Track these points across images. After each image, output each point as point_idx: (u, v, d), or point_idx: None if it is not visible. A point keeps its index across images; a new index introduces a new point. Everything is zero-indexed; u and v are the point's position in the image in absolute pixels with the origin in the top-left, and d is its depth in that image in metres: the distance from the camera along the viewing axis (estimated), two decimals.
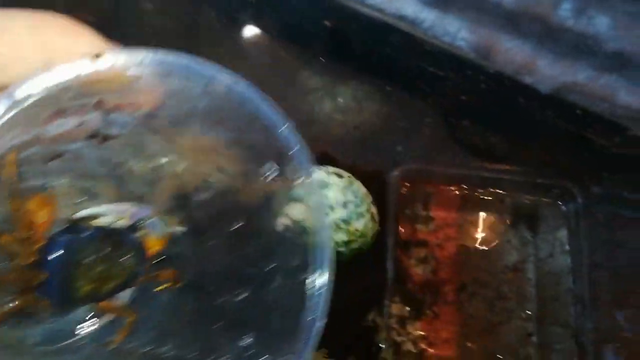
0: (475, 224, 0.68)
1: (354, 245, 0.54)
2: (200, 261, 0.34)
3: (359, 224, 0.53)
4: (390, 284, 0.54)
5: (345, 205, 0.53)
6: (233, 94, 0.26)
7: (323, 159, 0.57)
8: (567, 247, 0.61)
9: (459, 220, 0.68)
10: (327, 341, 0.54)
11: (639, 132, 0.59)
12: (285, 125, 0.28)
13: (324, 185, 0.53)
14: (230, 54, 0.60)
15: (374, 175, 0.60)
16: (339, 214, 0.53)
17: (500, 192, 0.64)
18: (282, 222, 0.55)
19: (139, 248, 0.31)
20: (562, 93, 0.61)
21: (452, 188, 0.65)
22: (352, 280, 0.56)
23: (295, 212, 0.57)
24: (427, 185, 0.64)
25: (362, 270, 0.56)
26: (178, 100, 0.26)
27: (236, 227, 0.33)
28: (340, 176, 0.54)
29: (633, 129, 0.60)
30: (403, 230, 0.66)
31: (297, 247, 0.30)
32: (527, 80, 0.62)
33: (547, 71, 0.61)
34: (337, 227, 0.53)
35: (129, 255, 0.30)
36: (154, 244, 0.32)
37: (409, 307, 0.63)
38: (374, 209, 0.55)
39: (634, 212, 0.59)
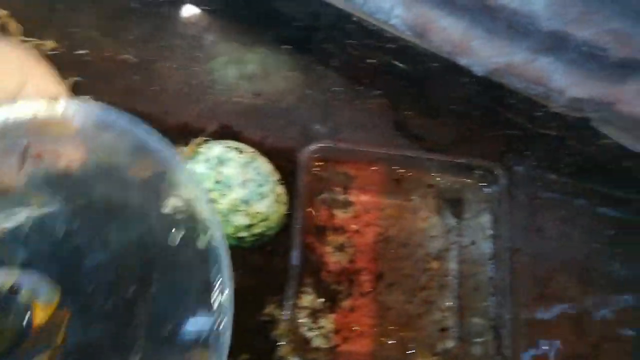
0: (397, 209, 0.63)
1: (257, 230, 0.48)
2: (86, 325, 0.32)
3: (260, 206, 0.47)
4: (295, 273, 0.49)
5: (244, 184, 0.47)
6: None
7: (225, 133, 0.51)
8: (490, 233, 0.57)
9: (381, 205, 0.63)
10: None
11: (556, 109, 0.56)
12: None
13: (222, 161, 0.47)
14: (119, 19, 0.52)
15: (285, 153, 0.54)
16: (238, 194, 0.47)
17: (425, 174, 0.59)
18: (171, 203, 0.48)
19: (23, 313, 0.29)
20: (496, 75, 0.58)
21: (373, 169, 0.60)
22: (253, 268, 0.50)
23: (187, 190, 0.50)
24: (345, 165, 0.59)
25: (267, 257, 0.50)
26: (100, 156, 0.26)
27: (128, 293, 0.32)
28: (240, 151, 0.48)
29: (550, 106, 0.57)
30: (319, 215, 0.61)
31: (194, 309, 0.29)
32: (462, 61, 0.58)
33: (482, 52, 0.57)
34: (236, 209, 0.47)
35: (10, 322, 0.28)
36: (40, 311, 0.29)
37: (323, 298, 0.58)
38: (280, 190, 0.49)
39: (554, 193, 0.56)
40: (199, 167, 0.47)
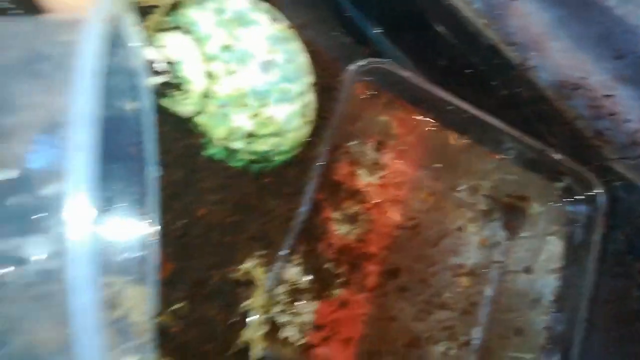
0: (438, 196, 0.47)
1: (260, 146, 0.31)
2: None
3: (278, 111, 0.30)
4: (298, 229, 0.32)
5: (267, 67, 0.30)
6: None
7: None
8: (557, 265, 0.41)
9: (418, 182, 0.47)
10: (172, 285, 0.31)
11: None
12: None
13: (241, 21, 0.30)
14: None
15: (325, 59, 0.37)
16: (253, 78, 0.29)
17: (490, 157, 0.43)
18: (150, 54, 0.31)
19: None
20: (562, 90, 0.46)
21: (425, 129, 0.43)
22: (239, 201, 0.33)
23: (176, 47, 0.33)
24: (389, 112, 0.43)
25: (261, 192, 0.33)
26: None
27: None
28: (274, 19, 0.31)
29: None
30: (338, 167, 0.44)
31: None
32: (532, 60, 0.45)
33: (559, 57, 0.47)
34: (242, 102, 0.30)
35: None
36: None
37: (312, 276, 0.41)
38: (311, 100, 0.33)
39: None
40: (203, 17, 0.29)
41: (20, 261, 0.16)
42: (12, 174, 0.16)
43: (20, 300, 0.15)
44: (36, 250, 0.16)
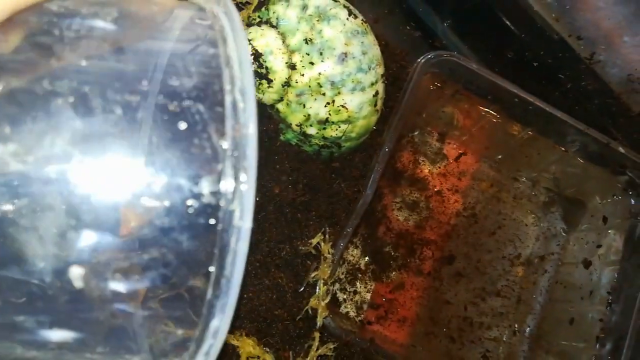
0: (498, 186, 0.48)
1: (332, 133, 0.34)
2: None
3: (351, 100, 0.32)
4: (362, 209, 0.34)
5: (343, 59, 0.32)
6: None
7: None
8: (615, 258, 0.42)
9: (479, 173, 0.48)
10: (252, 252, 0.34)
11: None
12: None
13: (323, 16, 0.32)
14: None
15: (395, 50, 0.39)
16: (330, 69, 0.32)
17: (553, 148, 0.44)
18: None
19: None
20: (630, 86, 0.44)
21: (488, 120, 0.44)
22: (309, 182, 0.36)
23: (263, 40, 0.36)
24: (453, 104, 0.44)
25: (330, 175, 0.35)
26: None
27: None
28: (351, 14, 0.33)
29: None
30: (401, 156, 0.46)
31: None
32: (601, 56, 0.45)
33: (631, 54, 0.45)
34: (318, 90, 0.32)
35: None
36: None
37: (370, 258, 0.43)
38: (381, 90, 0.34)
39: None
40: (288, 12, 0.32)
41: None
42: None
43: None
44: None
